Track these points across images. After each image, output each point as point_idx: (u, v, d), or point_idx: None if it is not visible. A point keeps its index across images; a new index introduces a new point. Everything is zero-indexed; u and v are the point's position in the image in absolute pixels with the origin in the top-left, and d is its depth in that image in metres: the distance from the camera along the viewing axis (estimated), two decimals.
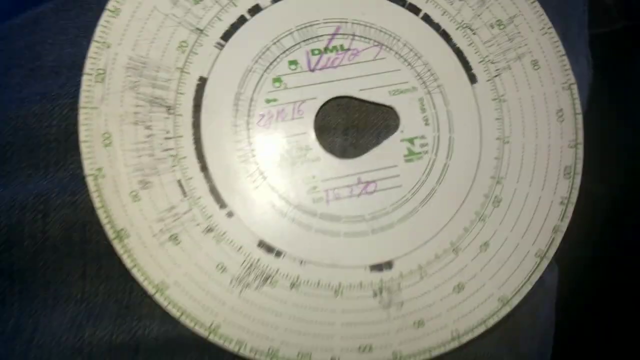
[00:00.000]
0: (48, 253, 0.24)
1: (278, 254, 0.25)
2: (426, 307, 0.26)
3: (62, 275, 0.24)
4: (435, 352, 0.25)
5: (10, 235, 0.24)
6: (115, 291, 0.25)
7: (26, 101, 0.25)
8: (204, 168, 0.25)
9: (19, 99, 0.25)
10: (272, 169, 0.25)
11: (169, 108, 0.25)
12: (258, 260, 0.25)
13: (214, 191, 0.25)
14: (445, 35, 0.26)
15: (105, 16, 0.24)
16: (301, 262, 0.25)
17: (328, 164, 0.26)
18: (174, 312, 0.24)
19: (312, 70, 0.25)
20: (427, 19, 0.26)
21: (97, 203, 0.24)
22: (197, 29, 0.25)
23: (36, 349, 0.24)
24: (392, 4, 0.26)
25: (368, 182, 0.26)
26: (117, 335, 0.24)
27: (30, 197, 0.24)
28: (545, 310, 0.31)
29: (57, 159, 0.25)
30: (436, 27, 0.26)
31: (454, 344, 0.26)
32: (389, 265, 0.25)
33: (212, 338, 0.24)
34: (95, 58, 0.24)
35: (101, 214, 0.24)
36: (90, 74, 0.24)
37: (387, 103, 0.26)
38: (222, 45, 0.25)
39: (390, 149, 0.26)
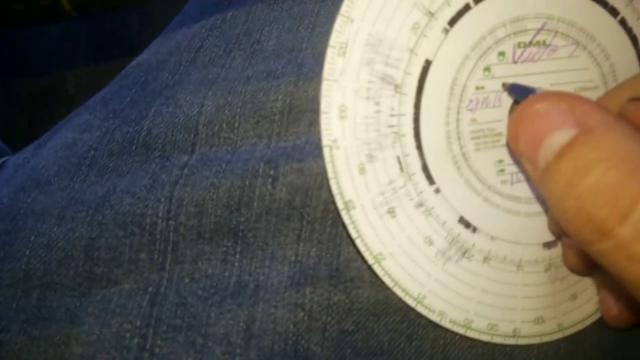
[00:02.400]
0: (271, 215, 0.26)
1: (474, 229, 0.27)
2: (578, 281, 0.29)
3: (279, 237, 0.26)
4: (587, 322, 0.29)
5: (242, 196, 0.26)
6: (325, 255, 0.26)
7: (252, 78, 0.27)
8: (418, 146, 0.26)
9: (245, 77, 0.27)
10: (471, 151, 0.27)
11: (396, 87, 0.25)
12: (458, 234, 0.27)
13: (425, 169, 0.26)
14: (634, 40, 0.29)
15: None
16: (491, 238, 0.27)
17: None
18: (389, 282, 0.26)
19: (515, 62, 0.27)
20: (622, 22, 0.28)
21: (330, 173, 0.25)
22: (429, 12, 0.26)
23: (263, 302, 0.25)
24: (595, 4, 0.28)
25: None
26: (335, 294, 0.26)
27: (262, 162, 0.26)
28: None
29: (279, 131, 0.27)
30: (629, 30, 0.29)
31: (598, 315, 0.29)
32: (554, 243, 0.28)
33: (419, 308, 0.26)
34: (340, 32, 0.24)
35: (333, 185, 0.25)
36: (334, 47, 0.24)
37: None
38: (448, 31, 0.26)
39: None
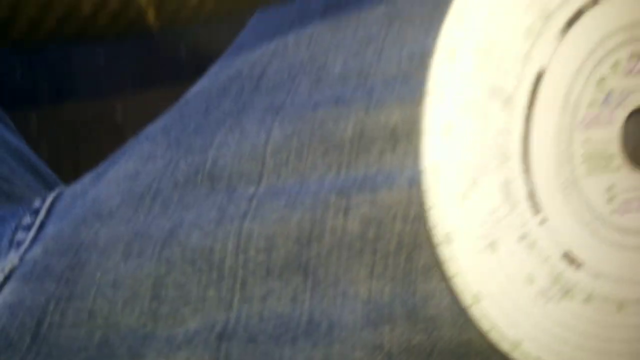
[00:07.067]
0: (343, 249, 0.25)
1: (578, 266, 0.24)
2: None
3: (351, 273, 0.24)
4: None
5: (313, 229, 0.25)
6: (400, 293, 0.24)
7: (320, 105, 0.26)
8: (526, 170, 0.23)
9: (313, 103, 0.26)
10: (581, 176, 0.24)
11: (506, 100, 0.22)
12: (562, 272, 0.24)
13: (532, 196, 0.23)
14: None
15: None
16: (596, 275, 0.24)
17: (626, 174, 0.24)
18: (485, 325, 0.23)
19: (629, 74, 0.24)
20: None
21: (429, 202, 0.22)
22: (545, 13, 0.22)
23: (339, 343, 0.24)
24: None
25: None
26: (415, 334, 0.24)
27: (332, 194, 0.25)
28: None
29: (349, 160, 0.25)
30: None
31: None
32: None
33: (515, 354, 0.23)
34: (449, 34, 0.21)
35: (432, 215, 0.22)
36: (443, 51, 0.21)
37: None
38: (564, 35, 0.23)
39: None
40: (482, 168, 0.22)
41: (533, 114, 0.23)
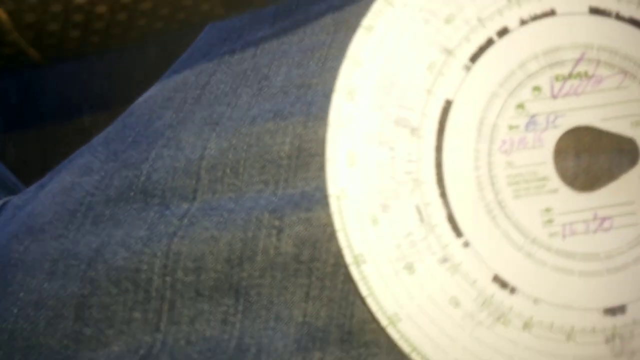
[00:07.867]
0: (277, 270, 0.24)
1: (512, 290, 0.23)
2: None
3: (286, 295, 0.24)
4: None
5: (244, 250, 0.24)
6: (336, 316, 0.24)
7: (258, 118, 0.25)
8: (442, 194, 0.23)
9: (251, 117, 0.26)
10: (508, 199, 0.24)
11: (413, 130, 0.23)
12: (492, 295, 0.23)
13: (451, 219, 0.23)
14: None
15: (359, 34, 0.23)
16: (535, 301, 0.23)
17: (566, 196, 0.24)
18: (405, 348, 0.23)
19: (555, 97, 0.24)
20: None
21: (337, 225, 0.23)
22: (447, 49, 0.23)
23: None
24: (636, 29, 0.24)
25: (604, 218, 0.24)
26: None
27: (266, 212, 0.24)
28: None
29: (286, 176, 0.25)
30: None
31: None
32: (622, 309, 0.24)
33: None
34: (347, 77, 0.23)
35: (341, 237, 0.23)
36: (341, 92, 0.23)
37: (628, 134, 0.25)
38: (469, 68, 0.24)
39: (628, 183, 0.24)
40: (394, 193, 0.23)
41: (443, 142, 0.24)
